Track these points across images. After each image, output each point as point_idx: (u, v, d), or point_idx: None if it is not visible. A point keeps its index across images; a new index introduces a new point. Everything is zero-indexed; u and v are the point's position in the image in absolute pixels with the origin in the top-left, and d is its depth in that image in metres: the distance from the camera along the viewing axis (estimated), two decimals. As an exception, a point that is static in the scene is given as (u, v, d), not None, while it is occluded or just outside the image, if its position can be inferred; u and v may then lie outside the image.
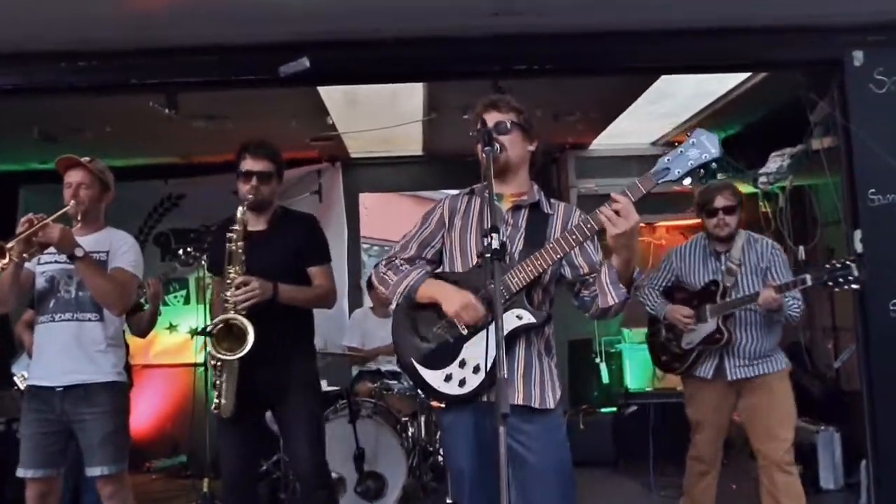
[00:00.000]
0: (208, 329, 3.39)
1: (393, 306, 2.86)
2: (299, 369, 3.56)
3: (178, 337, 7.01)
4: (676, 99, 5.59)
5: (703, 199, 4.00)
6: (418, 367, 2.80)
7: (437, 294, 2.68)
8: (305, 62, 4.14)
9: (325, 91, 5.15)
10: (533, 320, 2.67)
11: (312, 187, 7.14)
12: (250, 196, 3.52)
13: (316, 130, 6.14)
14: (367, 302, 6.55)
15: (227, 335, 3.37)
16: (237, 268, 3.45)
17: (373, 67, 4.18)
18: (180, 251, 4.53)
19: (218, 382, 3.37)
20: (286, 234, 3.60)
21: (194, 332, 4.24)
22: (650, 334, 4.49)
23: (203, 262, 4.23)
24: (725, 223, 3.96)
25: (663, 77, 4.91)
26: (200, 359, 5.90)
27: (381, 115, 5.84)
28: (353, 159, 7.23)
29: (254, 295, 3.38)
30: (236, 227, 3.44)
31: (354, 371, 6.08)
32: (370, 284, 6.21)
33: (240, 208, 3.45)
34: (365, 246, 11.00)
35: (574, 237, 2.56)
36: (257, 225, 3.61)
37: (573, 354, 7.02)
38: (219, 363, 3.36)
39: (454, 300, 2.64)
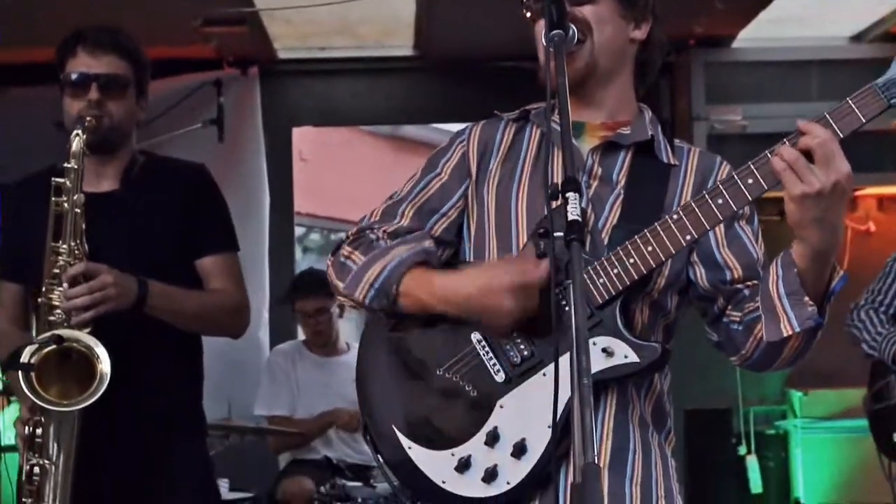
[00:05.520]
0: (23, 358, 2.79)
1: (355, 309, 2.42)
2: (180, 458, 3.10)
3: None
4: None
5: None
6: (406, 442, 2.27)
7: (440, 290, 2.22)
8: None
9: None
10: (634, 359, 2.18)
11: (206, 113, 5.53)
12: (88, 120, 2.97)
13: (216, 6, 5.01)
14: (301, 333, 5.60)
15: (58, 372, 2.85)
16: (73, 244, 2.90)
17: None
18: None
19: (34, 470, 2.85)
20: (153, 199, 3.13)
21: (-2, 368, 3.16)
22: (876, 396, 3.77)
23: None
24: None
25: None
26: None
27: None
28: (281, 62, 6.02)
29: (107, 297, 2.83)
30: (70, 164, 2.91)
31: (282, 461, 5.21)
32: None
33: (76, 132, 2.92)
34: (301, 230, 9.86)
35: (717, 206, 2.10)
36: (100, 182, 3.11)
37: (693, 436, 5.92)
38: (38, 431, 2.83)
39: (477, 284, 2.14)
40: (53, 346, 2.86)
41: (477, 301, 2.18)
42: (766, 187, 2.08)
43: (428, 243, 2.38)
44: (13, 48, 5.32)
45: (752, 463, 5.95)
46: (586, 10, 2.27)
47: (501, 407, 2.23)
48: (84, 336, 2.87)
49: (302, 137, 7.11)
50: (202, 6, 5.12)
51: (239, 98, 5.94)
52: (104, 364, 2.83)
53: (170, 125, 5.47)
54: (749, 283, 2.28)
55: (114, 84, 3.05)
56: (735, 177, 2.11)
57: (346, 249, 2.43)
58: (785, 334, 2.10)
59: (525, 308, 2.14)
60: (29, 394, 2.84)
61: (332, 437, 5.13)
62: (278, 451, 5.29)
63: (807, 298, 2.08)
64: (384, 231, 2.44)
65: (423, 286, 2.28)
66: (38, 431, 2.91)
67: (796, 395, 5.98)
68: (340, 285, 2.38)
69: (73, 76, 3.04)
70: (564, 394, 1.82)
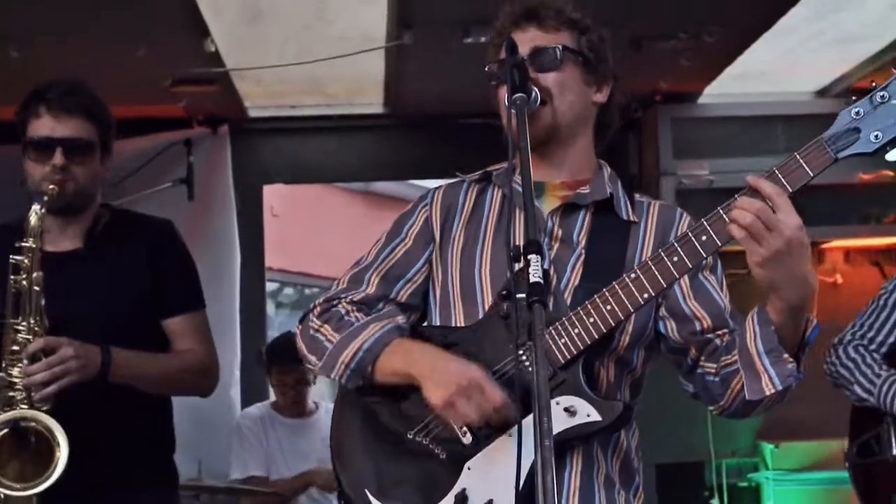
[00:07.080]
0: None
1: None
2: None
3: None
4: (865, 11, 4.75)
5: None
6: None
7: (411, 367, 2.25)
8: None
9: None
10: (596, 417, 2.19)
11: (176, 172, 5.53)
12: (50, 187, 2.93)
13: (186, 66, 5.08)
14: (272, 393, 5.57)
15: (15, 451, 2.85)
16: (32, 322, 2.90)
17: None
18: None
19: None
20: (117, 256, 3.10)
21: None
22: (863, 448, 3.50)
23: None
24: None
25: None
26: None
27: (305, 39, 4.97)
28: (252, 121, 6.10)
29: (67, 370, 2.81)
30: (28, 244, 2.89)
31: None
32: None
33: (34, 209, 2.90)
34: (274, 285, 9.76)
35: (673, 264, 2.12)
36: (62, 241, 3.09)
37: (665, 490, 5.86)
38: None
39: (444, 378, 2.18)
40: (5, 430, 2.80)
41: (460, 387, 2.17)
42: (719, 244, 2.09)
43: (400, 319, 2.38)
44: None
45: (724, 518, 5.99)
46: (550, 78, 2.29)
47: (469, 469, 2.23)
48: (44, 418, 2.83)
49: (273, 193, 7.05)
50: (172, 66, 5.11)
51: (209, 157, 5.94)
52: (62, 449, 2.78)
53: (139, 184, 5.45)
54: (719, 331, 2.28)
55: (80, 148, 2.99)
56: (689, 234, 2.12)
57: (314, 322, 2.42)
58: (767, 393, 2.10)
59: (454, 408, 2.13)
60: None
61: (308, 499, 5.08)
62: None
63: (786, 355, 2.09)
64: (351, 300, 2.43)
65: (401, 361, 2.28)
66: None
67: (768, 447, 5.96)
68: (314, 360, 2.38)
69: (37, 139, 2.95)
70: (529, 455, 1.82)
